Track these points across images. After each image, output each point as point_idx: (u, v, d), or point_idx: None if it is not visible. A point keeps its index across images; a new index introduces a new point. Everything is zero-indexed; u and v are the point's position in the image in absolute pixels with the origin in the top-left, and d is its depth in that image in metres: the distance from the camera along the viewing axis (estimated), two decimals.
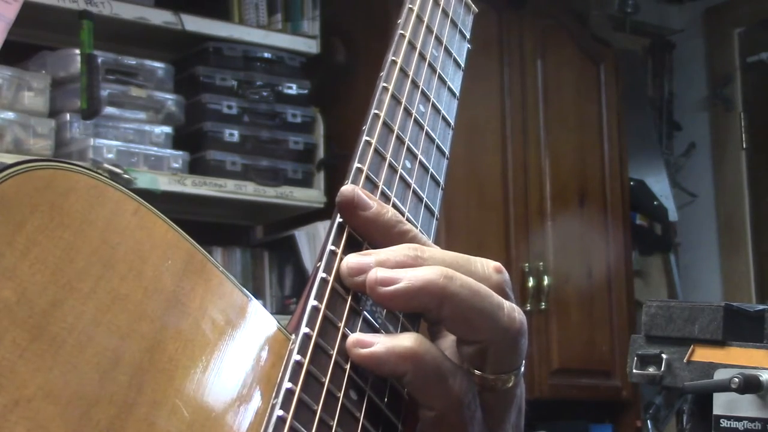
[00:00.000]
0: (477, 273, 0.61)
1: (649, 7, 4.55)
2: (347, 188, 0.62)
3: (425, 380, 0.58)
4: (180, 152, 3.19)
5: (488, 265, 0.62)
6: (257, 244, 3.59)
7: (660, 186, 4.36)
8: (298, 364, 0.53)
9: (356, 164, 0.65)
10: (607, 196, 3.87)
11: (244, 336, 0.54)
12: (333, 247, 0.60)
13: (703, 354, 1.78)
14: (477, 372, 0.61)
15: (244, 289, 0.56)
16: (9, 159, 2.78)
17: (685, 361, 1.80)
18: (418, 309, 0.60)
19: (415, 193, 0.68)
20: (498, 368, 0.61)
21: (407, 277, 0.58)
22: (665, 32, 4.71)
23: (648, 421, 2.12)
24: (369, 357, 0.57)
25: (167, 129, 3.20)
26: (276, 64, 3.40)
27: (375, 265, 0.59)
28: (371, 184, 0.65)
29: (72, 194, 0.50)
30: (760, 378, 1.64)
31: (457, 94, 0.76)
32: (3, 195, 0.47)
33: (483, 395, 0.61)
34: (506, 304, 0.60)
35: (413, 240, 0.62)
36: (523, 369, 0.62)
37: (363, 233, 0.62)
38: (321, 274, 0.59)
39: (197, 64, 3.29)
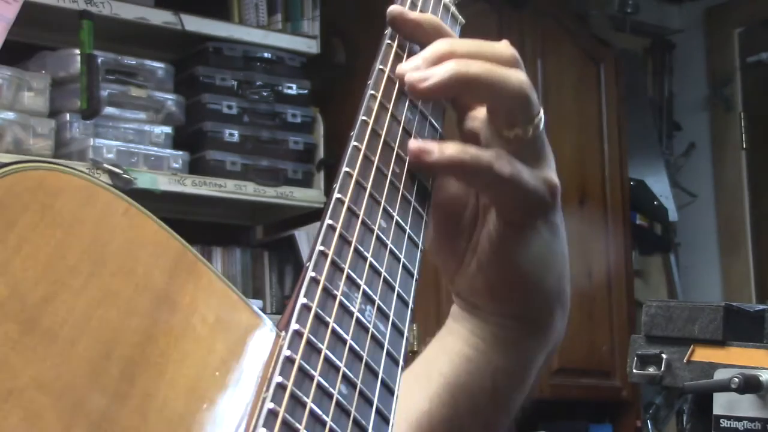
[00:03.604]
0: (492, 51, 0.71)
1: (649, 7, 4.56)
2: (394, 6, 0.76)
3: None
4: (180, 152, 3.20)
5: (500, 45, 0.73)
6: (257, 244, 3.60)
7: (660, 186, 4.37)
8: (289, 359, 0.54)
9: (345, 168, 0.66)
10: (607, 196, 3.87)
11: (234, 332, 0.55)
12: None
13: (703, 354, 1.78)
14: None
15: (234, 288, 0.57)
16: (9, 159, 2.78)
17: (685, 361, 1.80)
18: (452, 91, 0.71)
19: (404, 196, 0.69)
20: (518, 120, 0.71)
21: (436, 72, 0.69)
22: (665, 32, 4.71)
23: (648, 421, 2.12)
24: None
25: (167, 129, 3.20)
26: (276, 64, 3.41)
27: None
28: (360, 188, 0.66)
29: (63, 194, 0.51)
30: (760, 378, 1.64)
31: (444, 101, 0.78)
32: None
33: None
34: (512, 73, 0.70)
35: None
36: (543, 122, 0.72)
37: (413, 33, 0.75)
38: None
39: (197, 64, 3.29)
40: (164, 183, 3.07)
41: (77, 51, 2.99)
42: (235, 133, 3.28)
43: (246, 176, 3.27)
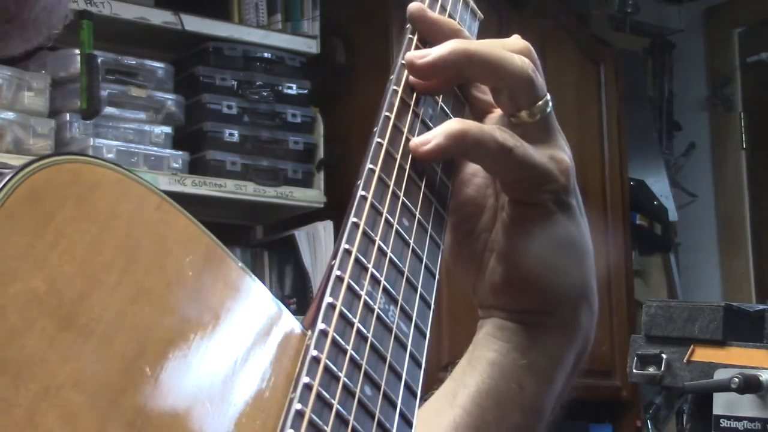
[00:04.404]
0: (502, 41, 0.72)
1: (649, 7, 4.56)
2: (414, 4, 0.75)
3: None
4: (180, 152, 3.20)
5: (511, 38, 0.73)
6: (257, 244, 3.60)
7: (660, 186, 4.37)
8: (315, 360, 0.54)
9: (368, 165, 0.65)
10: (607, 196, 3.87)
11: (263, 331, 0.55)
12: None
13: (703, 354, 1.78)
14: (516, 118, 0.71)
15: (262, 283, 0.56)
16: (9, 159, 2.78)
17: (685, 361, 1.80)
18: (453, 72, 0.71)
19: (425, 194, 0.68)
20: (523, 103, 0.71)
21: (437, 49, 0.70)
22: (665, 32, 4.72)
23: (648, 421, 2.12)
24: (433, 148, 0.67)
25: (167, 129, 3.20)
26: (276, 64, 3.40)
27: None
28: (383, 185, 0.65)
29: (98, 188, 0.51)
30: (760, 378, 1.64)
31: (463, 99, 0.77)
32: (33, 187, 0.48)
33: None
34: (515, 55, 0.70)
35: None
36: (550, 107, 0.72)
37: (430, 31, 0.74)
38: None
39: (197, 64, 3.29)
40: (164, 183, 3.07)
41: (77, 51, 2.99)
42: (235, 133, 3.28)
43: (246, 176, 3.27)
